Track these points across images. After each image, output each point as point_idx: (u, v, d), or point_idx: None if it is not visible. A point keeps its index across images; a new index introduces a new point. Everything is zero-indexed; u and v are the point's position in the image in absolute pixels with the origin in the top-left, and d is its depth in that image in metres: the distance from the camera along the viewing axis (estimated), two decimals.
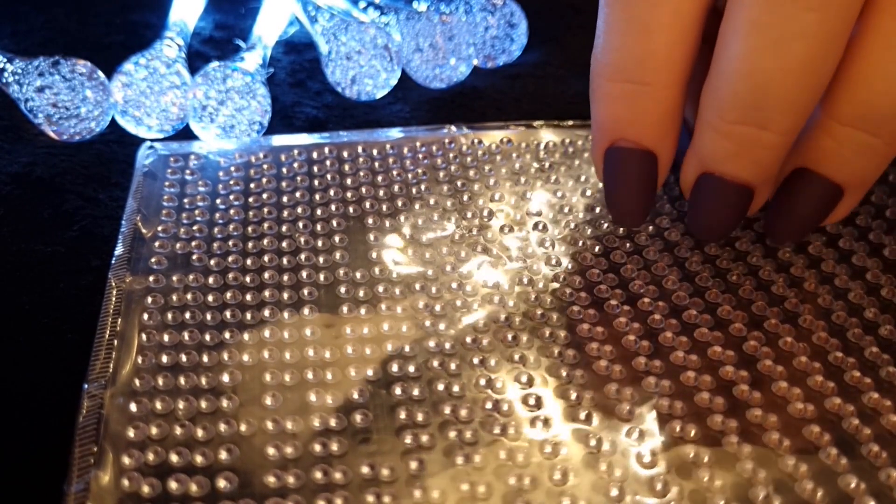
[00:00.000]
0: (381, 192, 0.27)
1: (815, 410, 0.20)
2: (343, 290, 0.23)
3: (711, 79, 0.21)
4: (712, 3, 0.22)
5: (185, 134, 0.29)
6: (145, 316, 0.22)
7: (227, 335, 0.21)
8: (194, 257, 0.24)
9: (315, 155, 0.28)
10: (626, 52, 0.22)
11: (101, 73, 0.29)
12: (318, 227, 0.25)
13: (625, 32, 0.22)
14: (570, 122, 0.30)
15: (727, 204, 0.22)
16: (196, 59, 0.34)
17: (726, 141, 0.21)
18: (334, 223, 0.25)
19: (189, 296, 0.22)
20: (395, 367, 0.21)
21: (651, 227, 0.25)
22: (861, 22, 0.20)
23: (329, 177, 0.27)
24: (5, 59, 0.29)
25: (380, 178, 0.27)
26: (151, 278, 0.23)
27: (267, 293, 0.23)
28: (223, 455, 0.18)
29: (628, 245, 0.25)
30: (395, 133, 0.29)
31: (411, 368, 0.21)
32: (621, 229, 0.25)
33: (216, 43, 0.36)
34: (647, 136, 0.22)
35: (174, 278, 0.23)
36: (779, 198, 0.23)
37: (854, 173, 0.22)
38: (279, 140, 0.29)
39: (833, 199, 0.22)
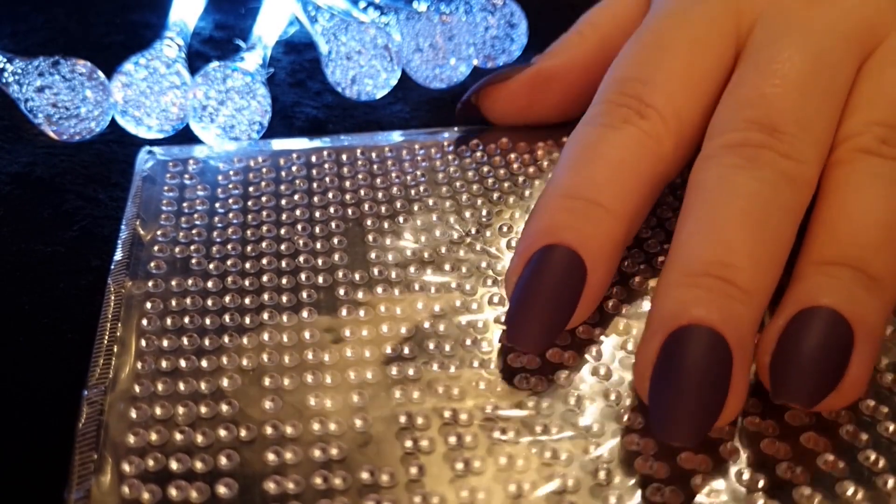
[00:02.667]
0: (380, 195, 0.27)
1: (812, 418, 0.20)
2: (342, 291, 0.23)
3: (672, 252, 0.20)
4: (671, 171, 0.23)
5: (185, 134, 0.29)
6: (144, 321, 0.22)
7: (226, 339, 0.21)
8: (193, 261, 0.24)
9: (314, 158, 0.28)
10: (584, 177, 0.22)
11: (101, 73, 0.29)
12: (317, 230, 0.25)
13: (585, 164, 0.22)
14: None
15: (702, 358, 0.18)
16: (196, 59, 0.34)
17: (694, 289, 0.19)
18: (333, 225, 0.25)
19: (188, 300, 0.22)
20: (394, 370, 0.21)
21: (654, 220, 0.25)
22: (828, 175, 0.22)
23: (328, 180, 0.27)
24: (5, 59, 0.29)
25: (378, 181, 0.27)
26: (150, 283, 0.23)
27: (266, 296, 0.23)
28: (223, 461, 0.18)
29: None
30: (395, 136, 0.29)
31: (410, 371, 0.21)
32: None
33: (216, 43, 0.36)
34: (586, 247, 0.20)
35: (173, 283, 0.23)
36: (777, 358, 0.19)
37: (856, 304, 0.19)
38: (278, 144, 0.29)
39: (844, 340, 0.19)
